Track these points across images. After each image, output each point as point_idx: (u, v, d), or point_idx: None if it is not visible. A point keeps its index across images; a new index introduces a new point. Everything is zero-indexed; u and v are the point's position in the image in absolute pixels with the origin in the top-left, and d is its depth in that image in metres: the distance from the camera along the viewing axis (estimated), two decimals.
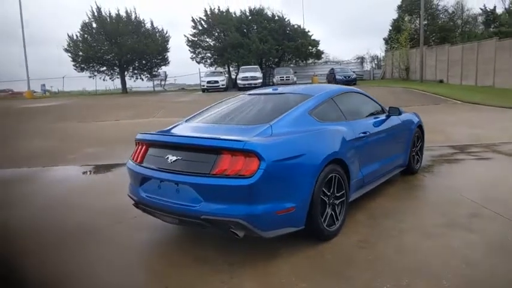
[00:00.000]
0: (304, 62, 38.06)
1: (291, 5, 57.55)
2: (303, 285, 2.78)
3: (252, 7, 37.49)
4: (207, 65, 37.70)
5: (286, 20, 36.36)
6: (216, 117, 4.17)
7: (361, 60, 39.45)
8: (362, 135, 4.09)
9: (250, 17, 37.00)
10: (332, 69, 32.29)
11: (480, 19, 34.96)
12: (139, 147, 3.71)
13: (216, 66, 37.15)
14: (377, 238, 3.50)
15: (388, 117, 4.89)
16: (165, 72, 40.00)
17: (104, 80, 37.28)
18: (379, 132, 4.54)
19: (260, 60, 36.01)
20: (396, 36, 29.87)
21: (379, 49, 43.04)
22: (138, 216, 4.02)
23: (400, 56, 29.83)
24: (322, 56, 37.67)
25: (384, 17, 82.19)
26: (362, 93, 4.96)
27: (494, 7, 33.52)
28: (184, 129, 3.98)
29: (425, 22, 35.16)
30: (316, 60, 38.16)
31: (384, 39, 38.76)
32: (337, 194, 3.56)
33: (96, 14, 34.70)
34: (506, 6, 33.15)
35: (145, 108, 17.50)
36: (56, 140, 10.47)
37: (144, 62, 36.40)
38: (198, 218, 3.05)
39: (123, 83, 37.07)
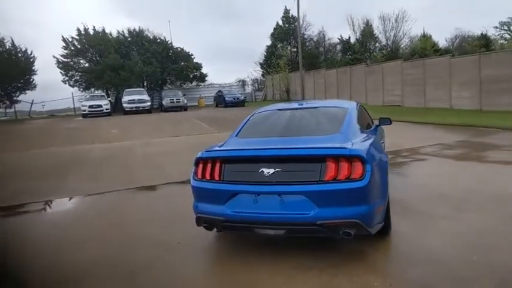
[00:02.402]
0: (189, 84, 38.10)
1: (170, 28, 57.36)
2: None
3: (132, 28, 36.10)
4: (81, 89, 34.59)
5: (168, 42, 36.03)
6: (273, 131, 4.30)
7: (243, 83, 41.48)
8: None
9: (129, 39, 35.50)
10: (220, 91, 33.13)
11: (338, 47, 40.50)
12: (208, 165, 3.61)
13: (93, 89, 34.35)
14: None
15: (377, 126, 5.50)
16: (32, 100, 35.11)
17: None
18: (376, 138, 5.09)
19: (142, 82, 34.71)
20: (277, 61, 32.45)
21: (251, 73, 46.46)
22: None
23: (281, 79, 32.46)
24: (206, 78, 38.32)
25: (257, 43, 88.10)
26: (362, 107, 5.46)
27: (349, 37, 39.29)
28: (254, 144, 3.91)
29: (295, 49, 39.20)
30: (200, 83, 38.56)
31: (260, 63, 41.65)
32: None
33: None
34: (358, 37, 39.24)
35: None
36: None
37: (4, 86, 31.30)
38: (313, 224, 3.20)
39: None
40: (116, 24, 77.42)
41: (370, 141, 3.82)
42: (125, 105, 27.54)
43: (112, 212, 5.59)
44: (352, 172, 3.23)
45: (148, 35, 36.26)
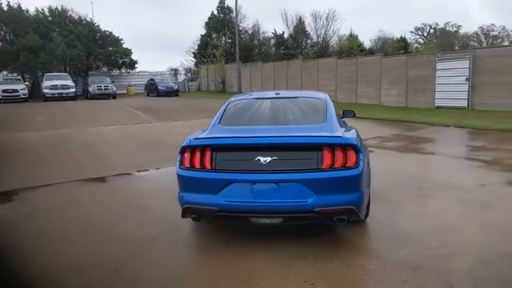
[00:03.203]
0: (117, 71, 35.96)
1: (93, 8, 53.04)
2: None
3: (54, 7, 32.95)
4: None
5: (95, 25, 33.57)
6: (259, 119, 4.23)
7: (175, 72, 40.27)
8: None
9: (50, 18, 32.39)
10: (152, 79, 31.86)
11: (272, 41, 41.20)
12: (197, 153, 3.45)
13: (6, 72, 30.86)
14: None
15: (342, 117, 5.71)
16: None
17: None
18: None
19: (65, 67, 31.97)
20: (212, 51, 31.99)
21: (182, 62, 45.09)
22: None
23: (217, 70, 32.11)
24: (136, 66, 36.48)
25: (189, 32, 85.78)
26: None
27: (283, 32, 40.16)
28: (245, 132, 3.79)
29: (230, 40, 39.06)
30: (129, 70, 36.61)
31: (193, 53, 40.73)
32: None
33: None
34: (291, 33, 40.30)
35: None
36: None
37: None
38: (310, 211, 3.25)
39: None
40: (34, 1, 69.99)
41: (354, 131, 3.95)
42: (45, 90, 25.19)
43: (67, 206, 5.09)
44: (347, 160, 3.32)
45: (73, 15, 33.44)
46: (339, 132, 3.69)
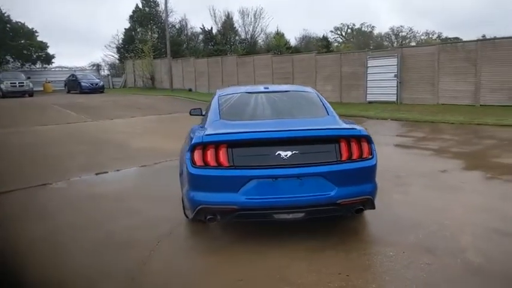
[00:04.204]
0: (31, 66, 32.57)
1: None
2: None
3: None
4: None
5: (5, 14, 29.99)
6: (262, 113, 4.16)
7: (98, 67, 37.67)
8: None
9: None
10: (73, 75, 29.44)
11: (201, 37, 40.61)
12: (210, 150, 3.29)
13: None
14: None
15: None
16: None
17: None
18: None
19: None
20: (140, 46, 30.49)
21: (102, 58, 42.19)
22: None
23: (145, 65, 30.70)
24: (53, 60, 33.42)
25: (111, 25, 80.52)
26: None
27: (211, 28, 39.77)
28: (255, 126, 3.68)
29: (156, 35, 37.62)
30: (46, 65, 33.40)
31: (117, 47, 38.48)
32: None
33: None
34: (219, 29, 40.07)
35: None
36: None
37: None
38: (333, 204, 3.31)
39: None
40: None
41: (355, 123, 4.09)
42: None
43: (34, 216, 4.52)
44: (362, 152, 3.43)
45: None
46: (349, 124, 3.79)
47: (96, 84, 28.04)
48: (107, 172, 6.57)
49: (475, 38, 18.12)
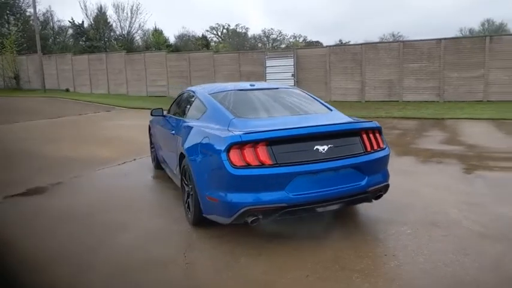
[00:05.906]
0: None
1: None
2: None
3: None
4: None
5: None
6: (272, 110, 4.19)
7: None
8: None
9: None
10: None
11: (71, 31, 36.61)
12: (248, 149, 3.23)
13: None
14: None
15: None
16: None
17: None
18: None
19: None
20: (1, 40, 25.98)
21: None
22: None
23: (6, 62, 26.30)
24: None
25: None
26: None
27: (83, 22, 36.20)
28: (280, 123, 3.70)
29: (16, 28, 32.57)
30: None
31: None
32: None
33: None
34: (92, 23, 36.74)
35: None
36: None
37: None
38: (365, 192, 3.57)
39: None
40: None
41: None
42: None
43: None
44: (378, 142, 3.76)
45: None
46: (355, 118, 4.09)
47: None
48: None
49: (361, 42, 20.61)
